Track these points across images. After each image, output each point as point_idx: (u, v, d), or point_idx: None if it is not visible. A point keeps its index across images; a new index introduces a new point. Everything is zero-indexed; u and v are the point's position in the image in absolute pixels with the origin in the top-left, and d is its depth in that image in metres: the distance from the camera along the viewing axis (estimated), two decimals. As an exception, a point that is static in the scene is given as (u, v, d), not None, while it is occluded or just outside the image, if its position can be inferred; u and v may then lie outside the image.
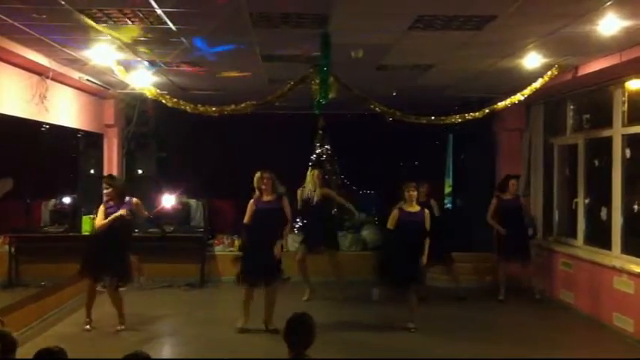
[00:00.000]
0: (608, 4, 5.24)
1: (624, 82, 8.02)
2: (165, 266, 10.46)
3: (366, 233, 11.50)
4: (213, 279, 10.69)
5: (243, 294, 7.62)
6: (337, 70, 7.24)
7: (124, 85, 8.81)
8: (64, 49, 7.00)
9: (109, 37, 6.41)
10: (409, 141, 12.48)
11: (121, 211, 7.51)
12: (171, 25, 5.93)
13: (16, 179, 9.77)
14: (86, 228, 9.70)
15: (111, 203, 7.67)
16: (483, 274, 10.48)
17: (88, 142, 10.99)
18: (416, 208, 7.81)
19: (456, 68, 8.20)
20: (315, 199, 9.22)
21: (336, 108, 9.06)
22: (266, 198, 7.61)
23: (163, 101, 7.92)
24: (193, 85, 9.54)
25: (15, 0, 5.24)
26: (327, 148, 12.15)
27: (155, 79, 8.60)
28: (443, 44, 6.82)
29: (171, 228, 10.62)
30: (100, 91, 9.60)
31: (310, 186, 9.28)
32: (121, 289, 7.82)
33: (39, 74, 7.66)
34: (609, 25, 5.73)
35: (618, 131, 8.28)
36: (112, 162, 10.55)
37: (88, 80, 8.70)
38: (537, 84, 8.04)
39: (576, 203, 9.55)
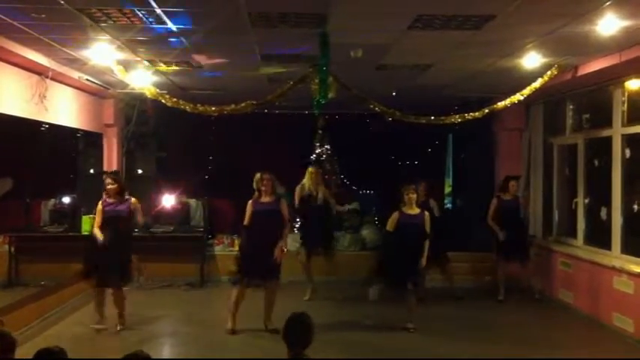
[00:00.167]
0: (608, 4, 5.23)
1: (624, 81, 8.01)
2: (165, 266, 10.45)
3: (366, 233, 11.49)
4: (213, 279, 10.68)
5: (235, 294, 7.56)
6: (337, 70, 7.24)
7: (124, 85, 8.81)
8: (63, 48, 7.00)
9: (109, 37, 6.40)
10: (409, 141, 12.49)
11: (99, 236, 7.48)
12: (170, 25, 5.94)
13: (16, 179, 9.80)
14: (86, 228, 9.68)
15: (109, 200, 7.65)
16: (482, 274, 10.48)
17: (88, 142, 11.00)
18: (415, 211, 7.83)
19: (455, 68, 8.20)
20: (320, 197, 9.24)
21: (335, 108, 9.07)
22: (264, 199, 7.60)
23: (163, 101, 7.92)
24: (193, 85, 9.54)
25: (14, -1, 5.25)
26: (326, 148, 12.15)
27: (155, 78, 8.60)
28: (442, 44, 6.82)
29: (161, 230, 10.62)
30: (100, 90, 9.61)
31: (308, 184, 9.27)
32: (124, 288, 7.82)
33: (38, 74, 7.66)
34: (609, 25, 5.73)
35: (618, 131, 8.27)
36: (111, 161, 10.55)
37: (87, 80, 8.70)
38: (537, 84, 8.04)
39: (576, 203, 9.55)
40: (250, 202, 7.65)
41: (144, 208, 8.46)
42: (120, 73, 7.63)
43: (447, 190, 13.60)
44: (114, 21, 5.82)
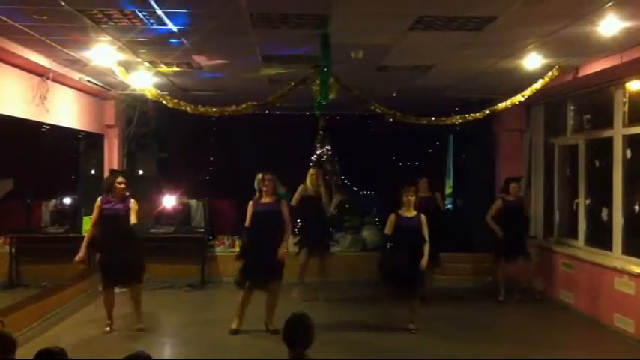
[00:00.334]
0: (609, 5, 5.24)
1: (625, 82, 8.01)
2: (166, 267, 10.45)
3: (367, 234, 11.50)
4: (214, 279, 10.69)
5: (242, 296, 7.60)
6: (337, 71, 7.25)
7: (125, 86, 8.83)
8: (64, 49, 7.01)
9: (110, 38, 6.41)
10: (410, 142, 12.49)
11: (80, 255, 7.56)
12: (171, 26, 5.94)
13: (17, 180, 9.80)
14: (86, 228, 9.66)
15: (109, 199, 7.63)
16: (483, 275, 10.47)
17: (89, 143, 10.98)
18: (412, 213, 7.85)
19: (456, 69, 8.21)
20: (323, 198, 9.28)
21: (336, 109, 9.07)
22: (265, 200, 7.60)
23: (164, 102, 7.93)
24: (194, 86, 9.55)
25: (16, 1, 5.25)
26: (327, 149, 12.15)
27: (156, 79, 8.61)
28: (443, 45, 6.83)
29: (162, 230, 10.61)
30: (101, 91, 9.61)
31: (309, 186, 9.29)
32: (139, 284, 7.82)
33: (40, 75, 7.67)
34: (610, 25, 5.73)
35: (619, 132, 8.28)
36: (112, 163, 10.54)
37: (88, 81, 8.71)
38: (538, 85, 8.05)
39: (577, 204, 9.55)
40: (251, 202, 7.65)
41: (145, 209, 8.45)
42: (121, 74, 7.64)
43: (448, 190, 13.60)
44: (115, 22, 5.83)
